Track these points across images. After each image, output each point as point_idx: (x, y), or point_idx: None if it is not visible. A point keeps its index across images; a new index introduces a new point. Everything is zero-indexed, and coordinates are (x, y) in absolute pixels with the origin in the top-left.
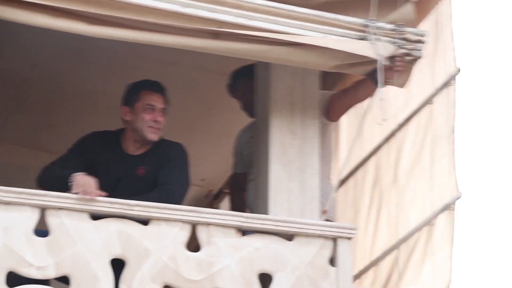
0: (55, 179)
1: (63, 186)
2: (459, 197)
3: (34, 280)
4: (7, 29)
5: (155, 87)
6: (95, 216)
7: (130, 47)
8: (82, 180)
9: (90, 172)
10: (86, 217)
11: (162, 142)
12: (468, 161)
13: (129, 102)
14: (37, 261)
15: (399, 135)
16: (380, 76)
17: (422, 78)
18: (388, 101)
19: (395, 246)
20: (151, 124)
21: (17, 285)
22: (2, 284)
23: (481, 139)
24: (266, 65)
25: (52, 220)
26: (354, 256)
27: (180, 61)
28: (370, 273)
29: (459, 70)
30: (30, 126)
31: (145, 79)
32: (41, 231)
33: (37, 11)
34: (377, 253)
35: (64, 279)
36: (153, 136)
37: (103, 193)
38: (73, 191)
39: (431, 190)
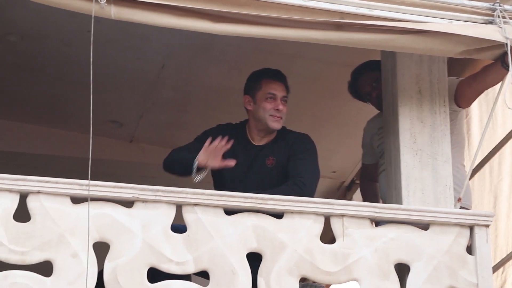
0: (179, 162)
1: (187, 169)
2: None
3: (175, 275)
4: (135, 31)
5: (276, 75)
6: (230, 211)
7: (254, 42)
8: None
9: None
10: (221, 212)
11: (288, 133)
12: None
13: (250, 91)
14: (176, 256)
15: None
16: (509, 60)
17: None
18: None
19: None
20: (273, 113)
21: (158, 281)
22: (145, 280)
23: None
24: (391, 54)
25: (189, 216)
26: (496, 245)
27: (304, 54)
28: None
29: None
30: (162, 125)
31: (265, 68)
32: (177, 226)
33: (161, 11)
34: None
35: (203, 274)
36: (275, 125)
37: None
38: (204, 150)
39: None
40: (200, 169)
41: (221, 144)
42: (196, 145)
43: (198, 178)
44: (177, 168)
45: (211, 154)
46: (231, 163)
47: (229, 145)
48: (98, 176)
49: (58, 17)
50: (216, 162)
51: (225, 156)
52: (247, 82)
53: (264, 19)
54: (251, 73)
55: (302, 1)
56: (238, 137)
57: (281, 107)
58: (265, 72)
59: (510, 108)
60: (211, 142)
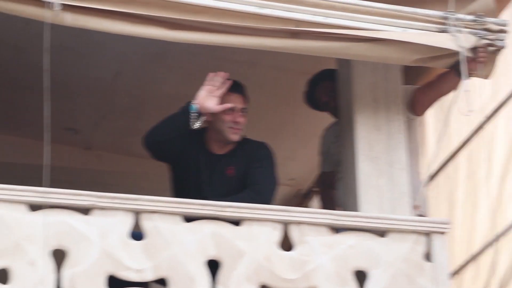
0: (167, 121)
1: (181, 120)
2: None
3: (133, 283)
4: (90, 38)
5: (235, 87)
6: (188, 219)
7: (209, 50)
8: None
9: (177, 168)
10: (179, 220)
11: (247, 142)
12: None
13: None
14: (135, 264)
15: (488, 127)
16: (463, 68)
17: (508, 69)
18: (474, 93)
19: (495, 240)
20: (232, 125)
21: None
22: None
23: None
24: (347, 63)
25: (147, 223)
26: (452, 252)
27: (260, 61)
28: (470, 268)
29: None
30: (118, 132)
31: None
32: (136, 233)
33: (116, 19)
34: (476, 247)
35: (162, 282)
36: (234, 137)
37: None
38: (205, 87)
39: None
40: (197, 116)
41: (220, 82)
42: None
43: (197, 124)
44: (167, 128)
45: (210, 95)
46: (228, 106)
47: (230, 84)
48: (55, 183)
49: (13, 24)
50: (214, 104)
51: (189, 162)
52: None
53: (220, 26)
54: None
55: (257, 8)
56: (199, 144)
57: (240, 119)
58: None
59: (465, 115)
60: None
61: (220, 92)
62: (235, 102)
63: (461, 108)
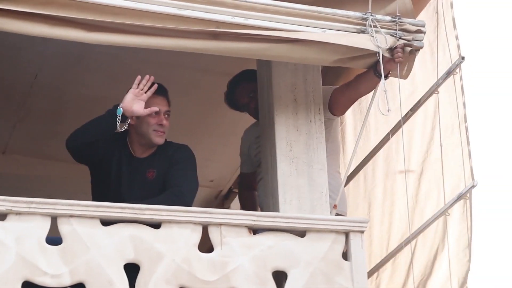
0: (93, 123)
1: (107, 122)
2: (475, 186)
3: None
4: (7, 40)
5: (158, 90)
6: (106, 222)
7: (130, 51)
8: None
9: (98, 170)
10: (97, 223)
11: (168, 145)
12: (480, 149)
13: None
14: (52, 269)
15: (406, 126)
16: (381, 68)
17: (425, 68)
18: (392, 93)
19: (412, 238)
20: (156, 128)
21: None
22: None
23: (492, 126)
24: (267, 63)
25: (64, 227)
26: (371, 250)
27: (181, 63)
28: (388, 266)
29: (463, 58)
30: (35, 135)
31: None
32: (53, 238)
33: (34, 21)
34: (393, 245)
35: (79, 286)
36: (158, 140)
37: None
38: (132, 91)
39: (446, 180)
40: (123, 118)
41: (147, 87)
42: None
43: (124, 127)
44: (92, 130)
45: (136, 98)
46: (155, 109)
47: (156, 87)
48: None
49: None
50: (140, 108)
51: (110, 165)
52: None
53: (140, 28)
54: None
55: (177, 10)
56: (121, 147)
57: (164, 122)
58: None
59: (384, 115)
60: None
61: (146, 96)
62: (160, 105)
63: (380, 108)
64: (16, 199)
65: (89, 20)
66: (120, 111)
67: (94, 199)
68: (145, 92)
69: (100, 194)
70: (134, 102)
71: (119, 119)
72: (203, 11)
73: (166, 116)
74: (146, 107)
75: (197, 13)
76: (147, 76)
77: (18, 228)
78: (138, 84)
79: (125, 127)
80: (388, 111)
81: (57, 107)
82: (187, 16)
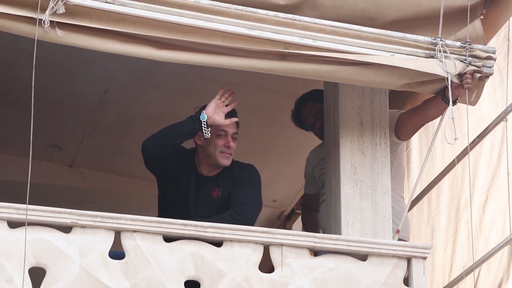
0: (172, 128)
1: (189, 130)
2: None
3: None
4: (79, 56)
5: (228, 112)
6: (169, 238)
7: (198, 70)
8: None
9: (166, 186)
10: (160, 239)
11: (234, 164)
12: None
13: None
14: (114, 283)
15: (473, 153)
16: (450, 94)
17: (494, 95)
18: (459, 119)
19: (476, 266)
20: (223, 150)
21: None
22: None
23: None
24: (334, 85)
25: (127, 242)
26: (433, 277)
27: (248, 82)
28: None
29: None
30: (103, 150)
31: None
32: (116, 252)
33: (106, 37)
34: (456, 273)
35: None
36: (225, 162)
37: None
38: (215, 101)
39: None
40: (206, 125)
41: (228, 100)
42: None
43: (207, 134)
44: (172, 133)
45: (218, 108)
46: (235, 119)
47: (236, 104)
48: (36, 200)
49: (2, 39)
50: (221, 117)
51: (179, 181)
52: None
53: (209, 47)
54: (202, 107)
55: (247, 30)
56: (190, 165)
57: (231, 144)
58: None
59: (450, 143)
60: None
61: (227, 109)
62: (228, 127)
63: (446, 136)
64: (81, 213)
65: (160, 37)
66: (204, 117)
67: (160, 214)
68: (226, 106)
69: (166, 209)
70: (216, 111)
71: (204, 125)
72: (272, 32)
73: (234, 138)
74: (214, 128)
75: (266, 34)
76: (230, 90)
77: (83, 241)
78: (221, 96)
79: (209, 134)
80: (455, 139)
81: (124, 122)
82: (256, 36)
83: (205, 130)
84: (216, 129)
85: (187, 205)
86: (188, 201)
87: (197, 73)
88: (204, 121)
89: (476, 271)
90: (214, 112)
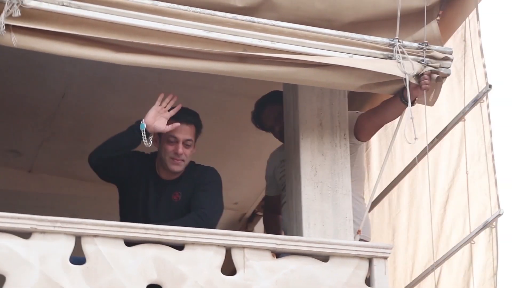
0: (115, 138)
1: (129, 138)
2: (501, 214)
3: None
4: (35, 59)
5: (182, 117)
6: (130, 243)
7: (156, 73)
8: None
9: (125, 191)
10: (121, 244)
11: (195, 167)
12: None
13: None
14: None
15: (432, 153)
16: (408, 95)
17: (452, 96)
18: (418, 119)
19: (437, 265)
20: (173, 156)
21: None
22: None
23: None
24: (293, 87)
25: (88, 247)
26: (395, 276)
27: (207, 85)
28: None
29: (490, 87)
30: (62, 155)
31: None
32: (77, 258)
33: (63, 40)
34: (418, 273)
35: None
36: (175, 168)
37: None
38: (155, 107)
39: (471, 208)
40: (146, 134)
41: (170, 105)
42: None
43: (148, 143)
44: (114, 145)
45: (159, 114)
46: (176, 125)
47: (179, 107)
48: None
49: None
50: (162, 124)
51: (138, 186)
52: None
53: (167, 49)
54: None
55: (205, 32)
56: (149, 169)
57: (180, 150)
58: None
59: (409, 143)
60: (129, 167)
61: (169, 114)
62: (180, 133)
63: (406, 135)
64: (41, 218)
65: (117, 40)
66: (143, 126)
67: (121, 219)
68: (168, 111)
69: (127, 214)
70: (157, 118)
71: (144, 133)
72: (231, 34)
73: (186, 145)
74: (165, 134)
75: (225, 36)
76: (171, 95)
77: (43, 247)
78: (161, 101)
79: (150, 143)
80: (414, 139)
81: (83, 127)
82: (215, 38)
83: (145, 140)
84: (166, 134)
85: (147, 209)
86: (148, 205)
87: (156, 76)
88: (143, 130)
89: (437, 270)
90: (155, 120)
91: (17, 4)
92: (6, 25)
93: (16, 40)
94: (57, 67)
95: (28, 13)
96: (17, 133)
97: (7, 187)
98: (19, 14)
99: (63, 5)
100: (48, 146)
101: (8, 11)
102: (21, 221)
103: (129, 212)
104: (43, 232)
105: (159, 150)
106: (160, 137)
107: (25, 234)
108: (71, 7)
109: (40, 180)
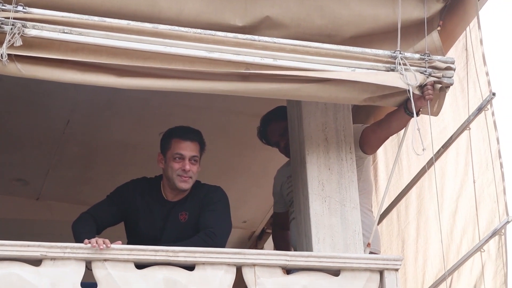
0: (76, 235)
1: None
2: (509, 222)
3: None
4: (39, 87)
5: (185, 135)
6: (140, 265)
7: (160, 95)
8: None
9: (128, 221)
10: (131, 267)
11: (201, 187)
12: None
13: (162, 150)
14: None
15: (439, 163)
16: (412, 106)
17: (456, 105)
18: (423, 130)
19: (447, 275)
20: (180, 173)
21: None
22: None
23: None
24: (297, 103)
25: (99, 271)
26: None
27: (211, 105)
28: None
29: (494, 94)
30: (68, 181)
31: (178, 126)
32: (88, 283)
33: (65, 67)
34: (429, 283)
35: None
36: (183, 185)
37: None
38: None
39: (480, 216)
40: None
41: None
42: (105, 206)
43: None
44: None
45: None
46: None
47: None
48: (4, 235)
49: None
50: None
51: (141, 210)
52: (160, 141)
53: (169, 71)
54: (165, 132)
55: (207, 53)
56: (152, 192)
57: (187, 167)
58: (176, 131)
59: (418, 154)
60: (124, 201)
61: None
62: (185, 150)
63: (412, 146)
64: (51, 245)
65: (119, 65)
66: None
67: (129, 241)
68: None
69: (134, 237)
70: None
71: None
72: (232, 53)
73: (193, 161)
74: (171, 152)
75: (226, 55)
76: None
77: (53, 274)
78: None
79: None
80: (422, 150)
81: (89, 152)
82: (217, 58)
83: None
84: (172, 153)
85: (155, 231)
86: (155, 227)
87: (160, 98)
88: None
89: (448, 279)
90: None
91: (18, 34)
92: (8, 55)
93: (19, 70)
94: (61, 94)
95: (30, 42)
96: (23, 162)
97: (15, 216)
98: (21, 43)
99: (64, 32)
100: (54, 173)
101: (9, 40)
102: (31, 248)
103: (137, 235)
104: (53, 258)
105: (164, 170)
106: (166, 157)
107: (35, 262)
108: (72, 33)
109: (47, 207)
